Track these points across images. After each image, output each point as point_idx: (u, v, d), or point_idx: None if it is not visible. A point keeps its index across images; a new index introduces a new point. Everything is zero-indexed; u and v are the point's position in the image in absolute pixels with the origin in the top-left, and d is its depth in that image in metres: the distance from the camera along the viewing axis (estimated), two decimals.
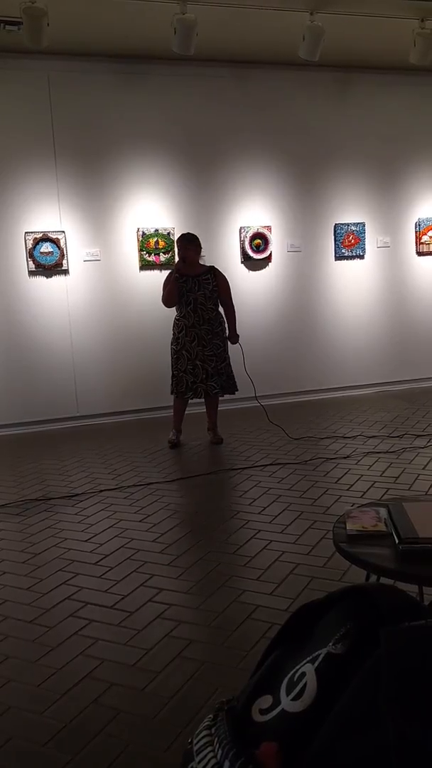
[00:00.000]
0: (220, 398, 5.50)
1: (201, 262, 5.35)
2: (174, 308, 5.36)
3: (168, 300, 5.27)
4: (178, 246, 5.32)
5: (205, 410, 5.57)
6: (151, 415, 6.45)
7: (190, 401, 5.48)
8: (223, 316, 5.37)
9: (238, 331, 5.45)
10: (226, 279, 5.37)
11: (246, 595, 2.83)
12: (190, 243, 5.25)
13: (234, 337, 5.39)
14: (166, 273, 6.23)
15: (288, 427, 5.68)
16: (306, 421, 6.00)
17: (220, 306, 5.35)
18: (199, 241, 5.31)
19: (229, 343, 5.40)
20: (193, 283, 5.22)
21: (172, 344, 5.37)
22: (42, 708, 2.15)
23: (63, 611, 2.80)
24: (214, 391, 5.29)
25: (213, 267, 5.37)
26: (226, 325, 5.38)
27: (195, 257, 5.27)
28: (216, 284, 5.28)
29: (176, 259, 5.51)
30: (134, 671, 2.33)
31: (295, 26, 5.32)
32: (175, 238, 6.35)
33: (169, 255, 6.43)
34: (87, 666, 2.37)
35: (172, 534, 3.60)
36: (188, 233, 5.41)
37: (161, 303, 5.38)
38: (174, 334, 5.35)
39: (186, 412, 5.56)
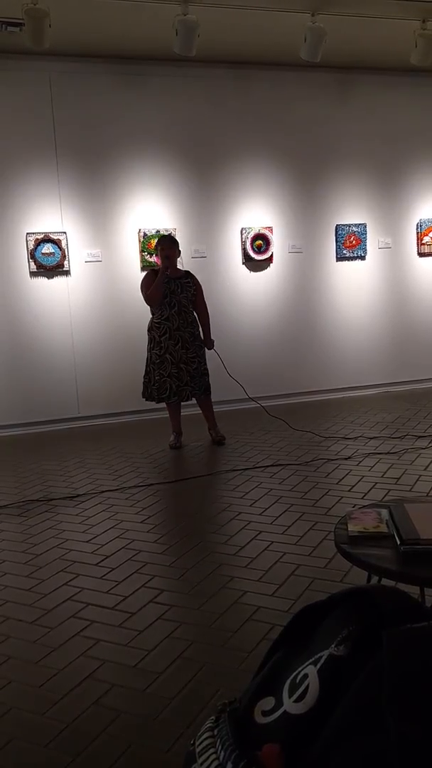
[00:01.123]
0: (219, 399, 5.51)
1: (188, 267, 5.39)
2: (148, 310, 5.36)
3: (155, 299, 5.19)
4: (162, 247, 5.22)
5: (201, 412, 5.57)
6: (152, 415, 6.44)
7: (184, 402, 5.49)
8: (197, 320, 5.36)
9: (234, 333, 5.47)
10: (200, 284, 5.40)
11: (247, 597, 2.83)
12: (173, 244, 5.25)
13: (210, 342, 5.40)
14: None
15: (287, 427, 5.68)
16: (307, 422, 5.99)
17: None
18: (178, 246, 5.33)
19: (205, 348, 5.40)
20: (176, 285, 5.23)
21: (153, 349, 5.28)
22: (43, 709, 2.15)
23: (64, 612, 2.80)
24: (195, 393, 5.30)
25: (189, 272, 5.39)
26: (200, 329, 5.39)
27: (175, 260, 5.26)
28: (195, 288, 5.31)
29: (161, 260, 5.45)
30: (135, 672, 2.33)
31: (297, 27, 5.32)
32: (177, 239, 6.37)
33: None
34: (88, 667, 2.37)
35: (173, 535, 3.60)
36: (170, 235, 5.46)
37: (144, 302, 5.33)
38: (154, 338, 5.27)
39: (185, 413, 5.57)
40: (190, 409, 5.64)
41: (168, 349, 5.23)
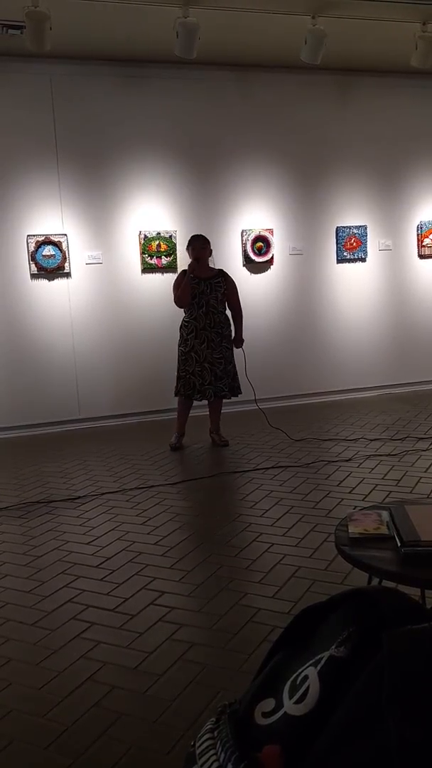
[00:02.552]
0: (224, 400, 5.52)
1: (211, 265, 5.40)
2: (181, 311, 5.39)
3: (182, 300, 5.24)
4: (192, 246, 5.27)
5: (207, 413, 5.57)
6: (153, 417, 6.45)
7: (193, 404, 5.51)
8: (230, 319, 5.38)
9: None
10: (234, 283, 5.41)
11: (248, 598, 2.83)
12: (206, 244, 5.29)
13: (240, 341, 5.44)
14: (168, 276, 6.25)
15: (289, 430, 5.68)
16: (307, 424, 6.00)
17: (227, 309, 5.38)
18: (210, 244, 5.35)
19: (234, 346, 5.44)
20: (206, 285, 5.25)
21: (179, 346, 5.37)
22: (43, 711, 2.14)
23: (65, 614, 2.80)
24: (222, 393, 5.32)
25: (222, 270, 5.41)
26: (233, 328, 5.42)
27: (207, 259, 5.29)
28: (226, 288, 5.32)
29: (179, 260, 5.51)
30: (136, 674, 2.32)
31: (297, 29, 5.32)
32: (177, 241, 6.38)
33: (171, 258, 6.43)
34: (89, 669, 2.37)
35: (173, 537, 3.59)
36: (202, 235, 5.41)
37: (172, 304, 5.38)
38: (182, 336, 5.34)
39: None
40: (193, 410, 5.63)
41: (194, 348, 5.28)
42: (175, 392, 5.44)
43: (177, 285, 5.30)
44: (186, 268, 5.32)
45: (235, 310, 5.40)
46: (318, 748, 0.57)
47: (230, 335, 5.37)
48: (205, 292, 5.24)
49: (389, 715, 0.54)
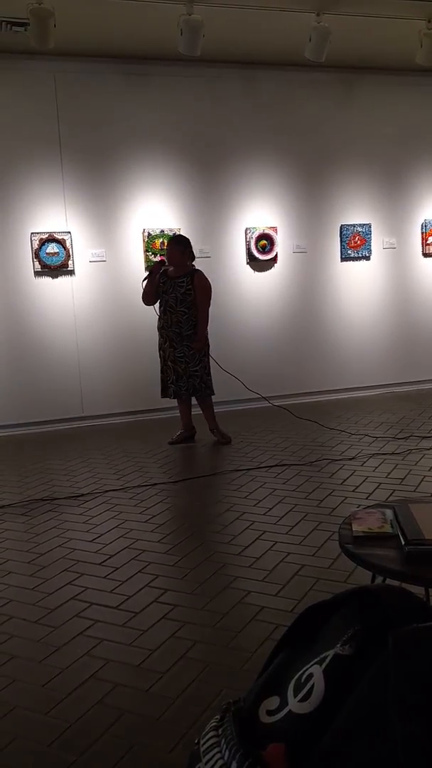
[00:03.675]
0: (223, 399, 5.54)
1: (197, 266, 5.37)
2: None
3: (144, 298, 5.39)
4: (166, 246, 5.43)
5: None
6: (156, 415, 6.45)
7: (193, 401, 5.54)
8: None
9: (238, 334, 5.44)
10: (204, 283, 5.24)
11: (251, 596, 2.83)
12: (177, 244, 5.27)
13: (196, 342, 5.21)
14: None
15: (291, 428, 5.68)
16: (310, 422, 5.98)
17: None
18: (187, 244, 5.29)
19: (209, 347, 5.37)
20: (170, 285, 5.27)
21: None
22: (47, 708, 2.15)
23: (68, 611, 2.80)
24: (181, 393, 5.35)
25: (196, 271, 5.28)
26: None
27: (178, 259, 5.24)
28: (190, 288, 5.22)
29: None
30: (139, 672, 2.32)
31: (302, 27, 5.32)
32: (183, 239, 6.38)
33: None
34: (92, 666, 2.37)
35: (176, 534, 3.60)
36: (178, 235, 5.49)
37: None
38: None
39: (193, 413, 5.58)
40: (196, 408, 5.64)
41: (161, 346, 5.40)
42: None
43: None
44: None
45: (199, 312, 5.23)
46: (323, 747, 0.57)
47: (194, 336, 5.24)
48: (167, 291, 5.27)
49: (394, 714, 0.54)
